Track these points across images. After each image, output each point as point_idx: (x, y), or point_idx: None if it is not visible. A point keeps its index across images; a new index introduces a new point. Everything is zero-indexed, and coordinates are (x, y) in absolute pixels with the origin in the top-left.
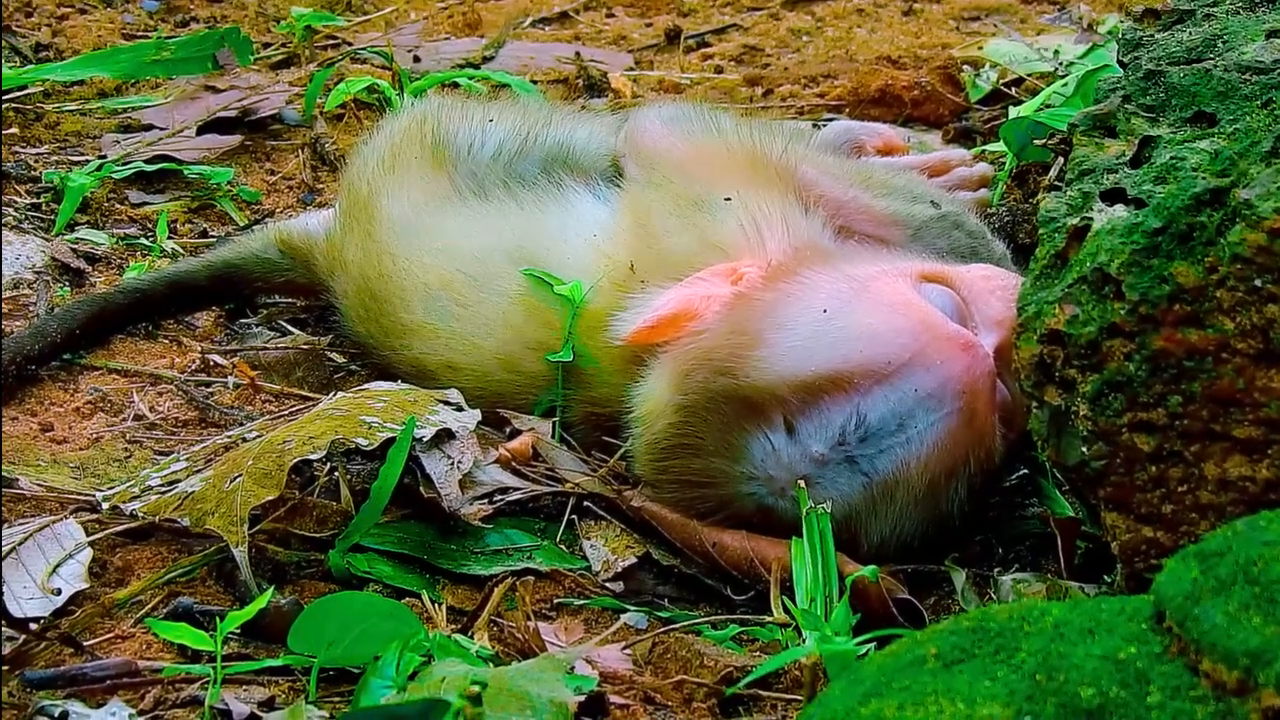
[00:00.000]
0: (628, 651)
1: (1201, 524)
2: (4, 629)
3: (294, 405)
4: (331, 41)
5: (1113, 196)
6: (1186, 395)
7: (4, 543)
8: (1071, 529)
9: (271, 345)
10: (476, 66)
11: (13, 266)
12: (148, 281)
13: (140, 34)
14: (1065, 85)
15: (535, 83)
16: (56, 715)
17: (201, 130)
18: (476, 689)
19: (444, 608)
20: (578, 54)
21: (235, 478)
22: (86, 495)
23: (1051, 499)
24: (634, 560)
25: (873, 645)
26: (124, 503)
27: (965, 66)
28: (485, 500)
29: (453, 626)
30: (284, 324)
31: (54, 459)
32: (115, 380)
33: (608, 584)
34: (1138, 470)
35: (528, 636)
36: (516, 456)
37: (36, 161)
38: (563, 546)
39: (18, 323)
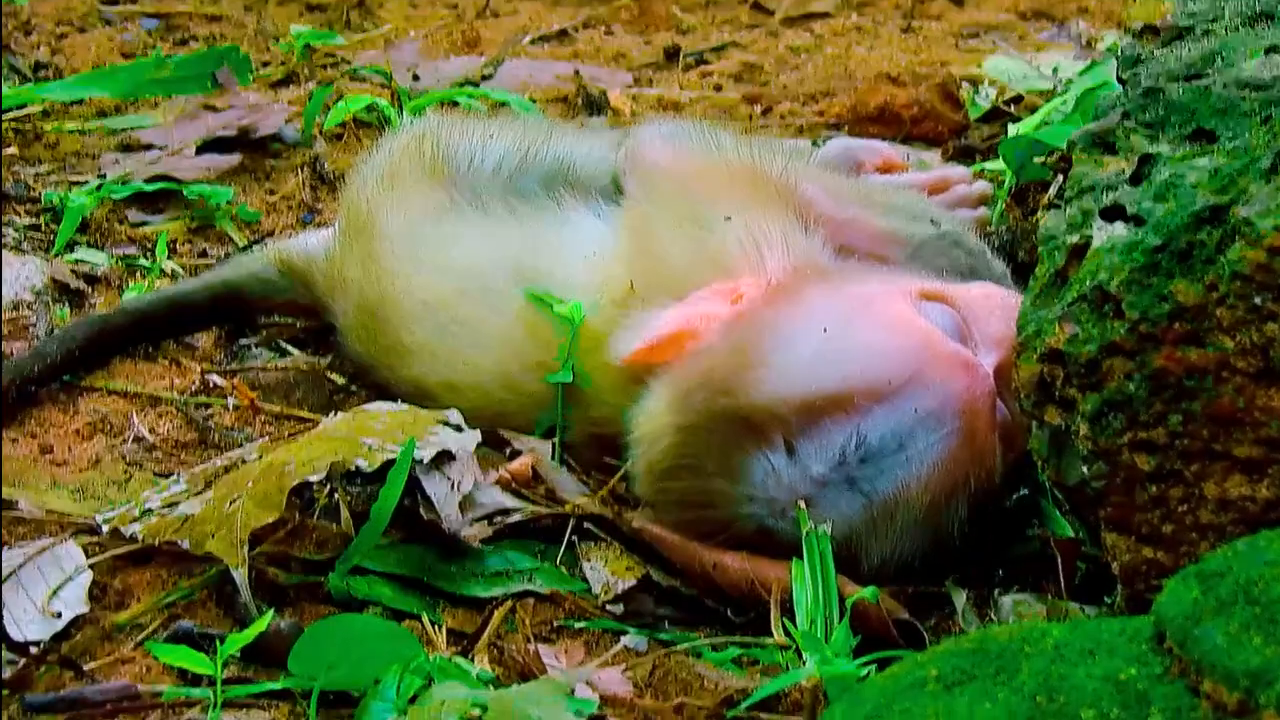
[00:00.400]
0: (628, 674)
1: (1202, 544)
2: (4, 652)
3: (294, 426)
4: (330, 60)
5: (1112, 214)
6: (1186, 414)
7: (4, 566)
8: (1072, 549)
9: (271, 366)
10: (476, 84)
11: (12, 287)
12: (147, 302)
13: (139, 53)
14: (1064, 102)
15: (534, 101)
16: None
17: (201, 149)
18: (477, 712)
19: (444, 630)
20: (577, 72)
21: (235, 500)
22: (86, 518)
23: (1052, 519)
24: (634, 582)
25: (873, 667)
26: (124, 525)
27: (964, 84)
28: (485, 522)
29: (453, 649)
30: (284, 344)
31: (54, 481)
32: (115, 401)
33: (608, 606)
34: (1138, 490)
35: (528, 659)
36: (516, 478)
37: (35, 181)
38: (563, 568)
39: (17, 344)
